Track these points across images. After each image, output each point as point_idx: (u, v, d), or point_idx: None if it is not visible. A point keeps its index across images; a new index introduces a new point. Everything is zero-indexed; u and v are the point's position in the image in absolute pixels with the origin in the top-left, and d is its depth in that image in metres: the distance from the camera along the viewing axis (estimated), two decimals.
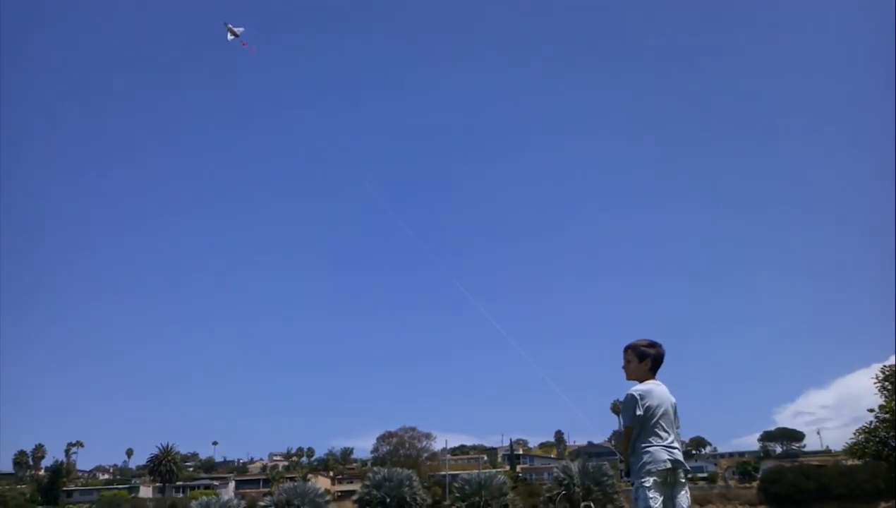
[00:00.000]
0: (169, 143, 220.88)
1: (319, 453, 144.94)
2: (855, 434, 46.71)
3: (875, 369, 45.58)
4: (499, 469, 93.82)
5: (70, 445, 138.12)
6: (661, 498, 5.76)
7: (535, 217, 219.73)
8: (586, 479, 55.94)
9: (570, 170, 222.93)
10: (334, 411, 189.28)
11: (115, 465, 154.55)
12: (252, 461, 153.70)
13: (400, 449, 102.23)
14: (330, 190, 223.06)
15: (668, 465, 5.77)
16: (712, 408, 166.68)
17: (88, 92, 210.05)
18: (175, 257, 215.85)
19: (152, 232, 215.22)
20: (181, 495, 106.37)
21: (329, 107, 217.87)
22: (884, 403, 44.41)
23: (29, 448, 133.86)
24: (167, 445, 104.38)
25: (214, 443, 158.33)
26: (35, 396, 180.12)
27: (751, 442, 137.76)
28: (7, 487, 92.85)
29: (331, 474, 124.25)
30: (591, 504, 52.15)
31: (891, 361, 45.89)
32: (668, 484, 5.84)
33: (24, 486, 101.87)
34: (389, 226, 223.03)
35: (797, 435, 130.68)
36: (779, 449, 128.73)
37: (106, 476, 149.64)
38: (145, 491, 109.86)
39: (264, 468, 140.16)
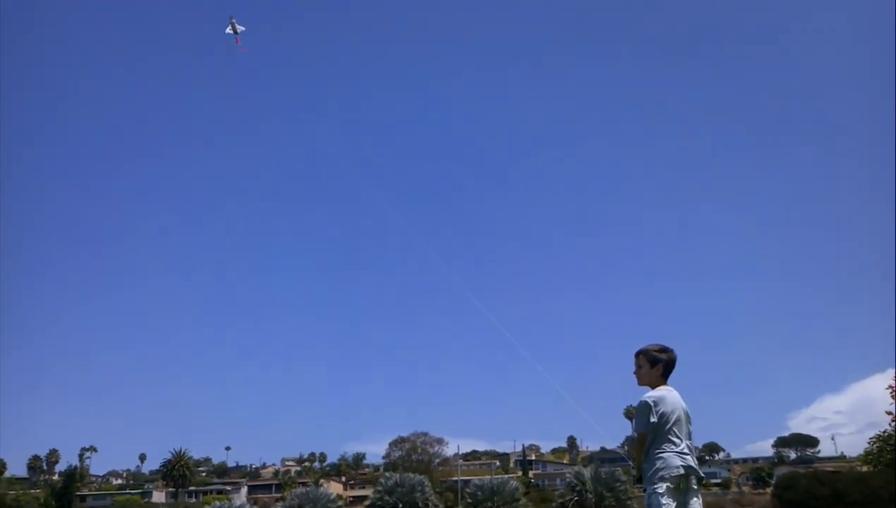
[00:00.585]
0: (185, 144, 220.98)
1: (332, 458, 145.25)
2: (870, 442, 46.37)
3: (891, 375, 45.19)
4: (511, 475, 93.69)
5: (84, 450, 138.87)
6: (675, 505, 5.73)
7: (546, 222, 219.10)
8: (599, 485, 55.66)
9: (581, 175, 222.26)
10: (347, 416, 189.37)
11: (129, 470, 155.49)
12: (265, 466, 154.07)
13: (412, 455, 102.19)
14: (346, 196, 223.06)
15: (682, 471, 5.76)
16: (726, 414, 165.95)
17: (91, 93, 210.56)
18: (188, 261, 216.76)
19: (165, 235, 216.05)
20: (194, 500, 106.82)
21: (338, 113, 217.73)
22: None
23: (43, 453, 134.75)
24: (180, 450, 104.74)
25: (227, 448, 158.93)
26: (49, 401, 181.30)
27: (765, 448, 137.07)
28: (21, 492, 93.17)
29: (343, 479, 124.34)
30: None
31: None
32: (682, 491, 5.82)
33: (37, 491, 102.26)
34: (401, 232, 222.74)
35: (812, 441, 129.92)
36: (793, 455, 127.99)
37: (119, 481, 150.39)
38: (158, 496, 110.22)
39: (277, 473, 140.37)
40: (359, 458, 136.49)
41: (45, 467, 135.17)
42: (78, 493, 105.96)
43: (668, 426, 5.90)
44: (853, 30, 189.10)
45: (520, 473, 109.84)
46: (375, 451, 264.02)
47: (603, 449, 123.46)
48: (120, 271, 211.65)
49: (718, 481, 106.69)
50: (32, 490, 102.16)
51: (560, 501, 59.35)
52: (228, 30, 42.19)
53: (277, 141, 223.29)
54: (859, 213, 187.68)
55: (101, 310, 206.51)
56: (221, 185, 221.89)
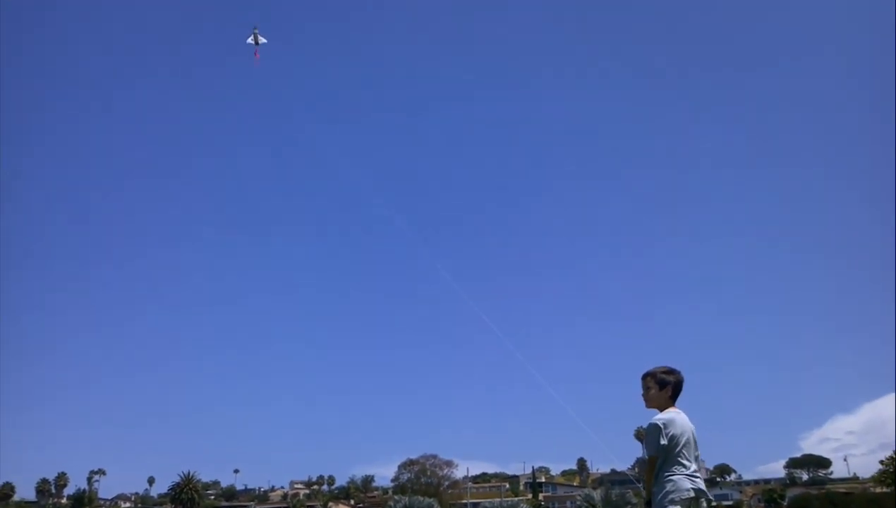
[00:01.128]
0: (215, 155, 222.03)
1: (340, 481, 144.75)
2: (883, 463, 46.10)
3: None
4: (521, 498, 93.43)
5: (92, 473, 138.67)
6: None
7: (557, 242, 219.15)
8: None
9: (592, 198, 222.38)
10: (355, 438, 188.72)
11: (137, 493, 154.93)
12: (273, 489, 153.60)
13: (421, 477, 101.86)
14: (354, 217, 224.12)
15: (692, 494, 5.81)
16: (737, 435, 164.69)
17: (100, 98, 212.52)
18: (195, 284, 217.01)
19: (172, 256, 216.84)
20: None
21: (349, 128, 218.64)
22: None
23: (52, 476, 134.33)
24: (189, 473, 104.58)
25: (236, 471, 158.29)
26: (58, 424, 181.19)
27: (776, 469, 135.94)
28: None
29: (352, 502, 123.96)
30: None
31: None
32: None
33: None
34: (412, 252, 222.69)
35: (824, 462, 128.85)
36: (805, 476, 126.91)
37: (128, 505, 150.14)
38: None
39: (285, 496, 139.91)
40: (368, 481, 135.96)
41: (53, 490, 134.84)
42: None
43: (677, 448, 5.95)
44: (852, 30, 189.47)
45: (530, 496, 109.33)
46: (384, 474, 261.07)
47: (613, 471, 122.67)
48: (128, 294, 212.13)
49: (730, 503, 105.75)
50: None
51: None
52: (250, 40, 41.07)
53: (286, 159, 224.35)
54: (871, 231, 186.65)
55: (110, 333, 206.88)
56: (232, 207, 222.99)
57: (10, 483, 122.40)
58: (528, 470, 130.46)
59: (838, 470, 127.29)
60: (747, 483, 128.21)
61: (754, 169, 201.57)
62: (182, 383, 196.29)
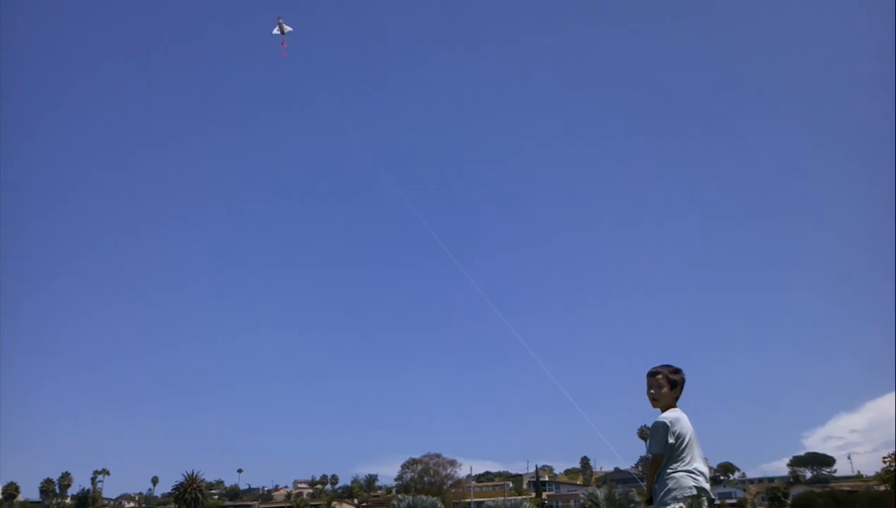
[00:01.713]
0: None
1: (344, 480, 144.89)
2: (885, 460, 46.02)
3: None
4: (524, 497, 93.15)
5: (96, 473, 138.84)
6: None
7: (567, 240, 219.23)
8: (613, 506, 55.38)
9: (605, 193, 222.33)
10: (359, 438, 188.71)
11: (141, 493, 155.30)
12: (277, 488, 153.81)
13: (425, 476, 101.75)
14: (357, 203, 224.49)
15: (694, 492, 5.80)
16: (740, 433, 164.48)
17: (95, 88, 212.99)
18: (198, 285, 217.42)
19: (176, 256, 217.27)
20: None
21: (370, 120, 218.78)
22: None
23: (55, 477, 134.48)
24: (192, 473, 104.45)
25: (239, 471, 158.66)
26: (61, 424, 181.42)
27: (780, 468, 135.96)
28: None
29: (355, 501, 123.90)
30: None
31: None
32: None
33: None
34: (420, 244, 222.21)
35: (827, 460, 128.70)
36: (809, 475, 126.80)
37: (132, 505, 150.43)
38: None
39: (289, 495, 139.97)
40: (371, 480, 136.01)
41: (57, 490, 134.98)
42: None
43: (682, 447, 5.95)
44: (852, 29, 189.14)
45: (533, 494, 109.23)
46: (388, 473, 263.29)
47: (617, 470, 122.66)
48: (132, 295, 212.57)
49: (734, 501, 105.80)
50: None
51: None
52: (276, 31, 40.55)
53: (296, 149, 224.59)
54: (876, 230, 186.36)
55: (114, 334, 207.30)
56: (245, 214, 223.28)
57: (14, 484, 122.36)
58: (532, 469, 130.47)
59: (842, 468, 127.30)
60: (751, 481, 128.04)
61: (767, 160, 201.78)
62: (186, 383, 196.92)
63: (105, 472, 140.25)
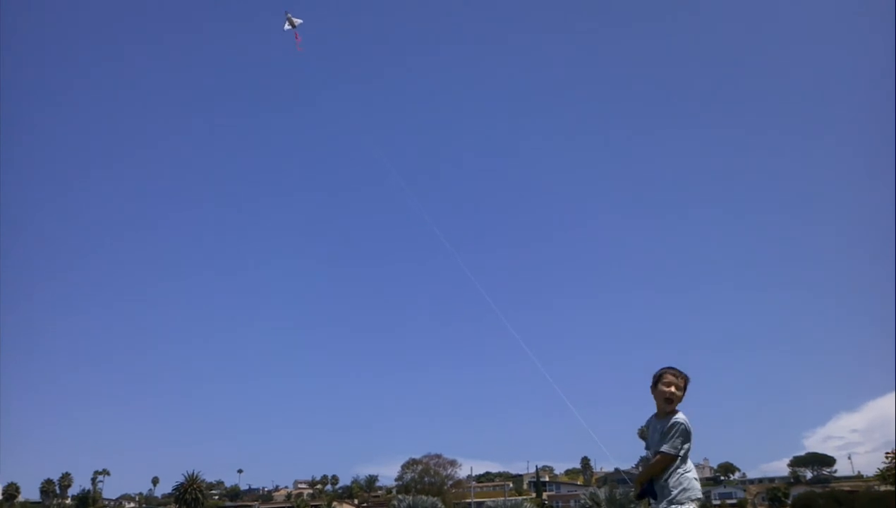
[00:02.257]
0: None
1: (344, 480, 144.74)
2: (887, 458, 45.98)
3: None
4: (525, 497, 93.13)
5: (96, 473, 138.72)
6: None
7: (567, 238, 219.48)
8: (614, 507, 55.29)
9: (608, 193, 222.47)
10: (359, 438, 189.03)
11: (141, 493, 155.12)
12: (277, 488, 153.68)
13: (425, 477, 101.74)
14: (357, 197, 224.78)
15: (702, 496, 5.89)
16: (741, 433, 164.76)
17: (95, 84, 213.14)
18: (199, 289, 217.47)
19: (176, 256, 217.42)
20: None
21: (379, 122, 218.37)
22: None
23: (56, 477, 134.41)
24: (193, 473, 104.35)
25: (239, 471, 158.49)
26: (62, 424, 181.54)
27: (780, 468, 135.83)
28: None
29: (356, 502, 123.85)
30: None
31: None
32: None
33: None
34: (421, 242, 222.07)
35: (828, 460, 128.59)
36: (809, 475, 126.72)
37: (132, 505, 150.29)
38: None
39: (289, 496, 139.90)
40: (371, 480, 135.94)
41: (57, 490, 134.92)
42: None
43: (689, 450, 6.06)
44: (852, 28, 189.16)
45: (533, 495, 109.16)
46: (388, 473, 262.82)
47: (617, 470, 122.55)
48: (132, 295, 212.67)
49: (734, 501, 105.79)
50: None
51: None
52: (287, 26, 39.02)
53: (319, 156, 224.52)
54: (877, 230, 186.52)
55: (114, 334, 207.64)
56: (237, 212, 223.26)
57: (15, 484, 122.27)
58: (532, 469, 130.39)
59: (842, 468, 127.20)
60: (751, 481, 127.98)
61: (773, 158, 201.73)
62: (186, 383, 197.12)
63: (105, 472, 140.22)
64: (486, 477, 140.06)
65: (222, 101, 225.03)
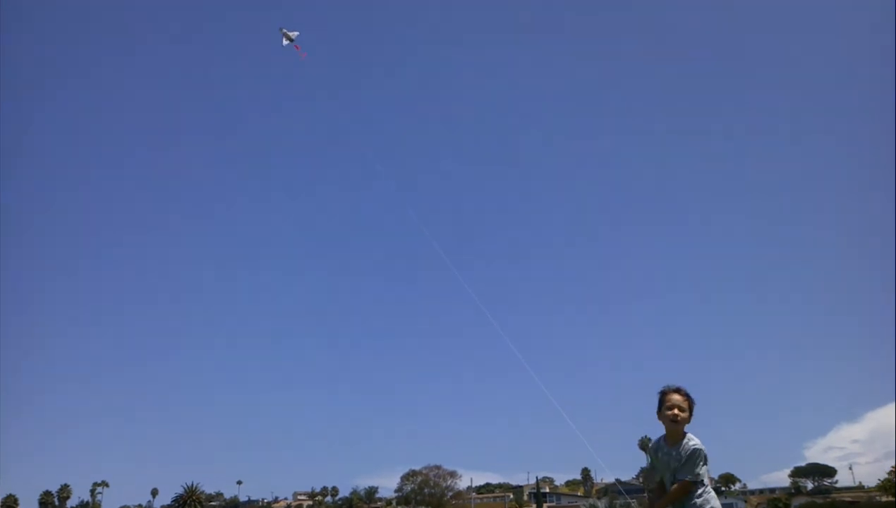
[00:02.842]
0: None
1: (344, 492, 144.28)
2: (889, 473, 45.88)
3: None
4: None
5: (95, 485, 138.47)
6: None
7: (565, 248, 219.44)
8: None
9: (603, 201, 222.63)
10: (359, 449, 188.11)
11: (140, 505, 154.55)
12: (276, 500, 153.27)
13: (425, 488, 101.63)
14: (360, 211, 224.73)
15: None
16: (741, 443, 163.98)
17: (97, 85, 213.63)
18: (199, 294, 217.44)
19: (173, 266, 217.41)
20: None
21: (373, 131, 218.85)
22: None
23: (55, 488, 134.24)
24: (192, 484, 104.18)
25: (239, 482, 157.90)
26: (61, 435, 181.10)
27: (781, 478, 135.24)
28: None
29: None
30: None
31: None
32: None
33: None
34: (418, 251, 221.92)
35: (829, 471, 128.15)
36: (810, 485, 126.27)
37: None
38: None
39: (288, 507, 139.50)
40: (371, 492, 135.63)
41: (56, 502, 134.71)
42: None
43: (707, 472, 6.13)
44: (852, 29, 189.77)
45: (534, 506, 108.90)
46: (388, 485, 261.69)
47: (618, 482, 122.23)
48: (132, 306, 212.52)
49: None
50: None
51: None
52: (284, 42, 39.45)
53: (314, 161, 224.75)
54: (876, 238, 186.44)
55: (112, 345, 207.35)
56: (242, 227, 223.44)
57: (14, 496, 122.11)
58: (532, 481, 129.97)
59: (843, 479, 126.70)
60: (752, 492, 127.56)
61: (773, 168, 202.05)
62: (185, 394, 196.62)
63: (104, 484, 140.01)
64: (486, 489, 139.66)
65: (224, 102, 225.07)
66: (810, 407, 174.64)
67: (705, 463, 6.02)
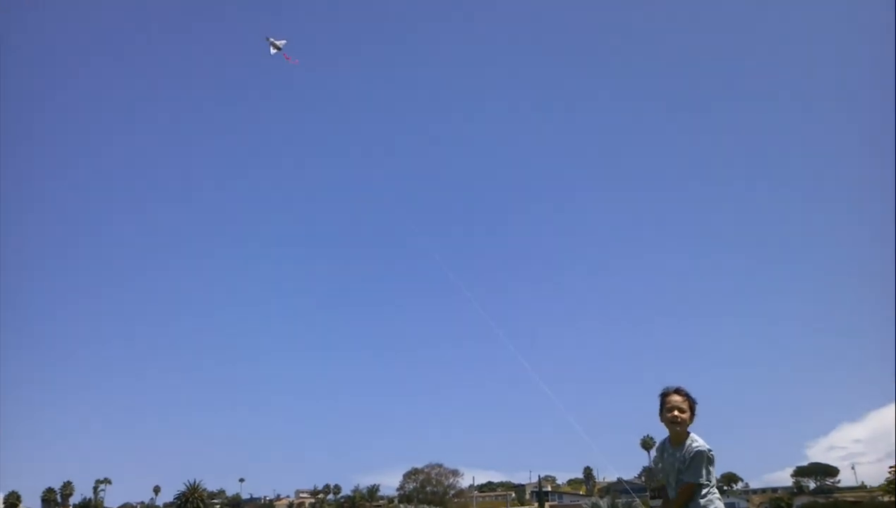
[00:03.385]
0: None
1: (346, 490, 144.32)
2: (891, 471, 45.75)
3: None
4: (527, 507, 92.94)
5: (98, 482, 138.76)
6: None
7: (566, 247, 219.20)
8: None
9: (602, 207, 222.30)
10: (361, 447, 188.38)
11: (143, 502, 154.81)
12: (278, 498, 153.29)
13: (427, 486, 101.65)
14: (361, 221, 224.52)
15: None
16: (743, 443, 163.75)
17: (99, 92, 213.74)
18: (200, 294, 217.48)
19: (177, 265, 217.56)
20: None
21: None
22: None
23: (57, 486, 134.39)
24: (194, 482, 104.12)
25: (241, 480, 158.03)
26: (63, 433, 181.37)
27: (783, 478, 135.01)
28: None
29: None
30: None
31: None
32: None
33: None
34: (418, 257, 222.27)
35: (831, 470, 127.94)
36: (812, 485, 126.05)
37: None
38: None
39: (291, 505, 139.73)
40: (373, 490, 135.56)
41: (59, 499, 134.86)
42: None
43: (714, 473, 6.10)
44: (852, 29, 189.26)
45: (536, 505, 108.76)
46: (390, 483, 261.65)
47: (620, 480, 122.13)
48: (133, 305, 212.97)
49: None
50: None
51: None
52: (272, 51, 39.19)
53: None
54: (876, 240, 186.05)
55: (116, 342, 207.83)
56: (245, 222, 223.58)
57: (16, 493, 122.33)
58: (534, 479, 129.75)
59: (846, 479, 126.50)
60: (754, 491, 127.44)
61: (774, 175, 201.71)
62: (187, 392, 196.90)
63: (107, 481, 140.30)
64: (488, 487, 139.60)
65: (227, 104, 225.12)
66: (812, 406, 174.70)
67: (711, 465, 5.97)
